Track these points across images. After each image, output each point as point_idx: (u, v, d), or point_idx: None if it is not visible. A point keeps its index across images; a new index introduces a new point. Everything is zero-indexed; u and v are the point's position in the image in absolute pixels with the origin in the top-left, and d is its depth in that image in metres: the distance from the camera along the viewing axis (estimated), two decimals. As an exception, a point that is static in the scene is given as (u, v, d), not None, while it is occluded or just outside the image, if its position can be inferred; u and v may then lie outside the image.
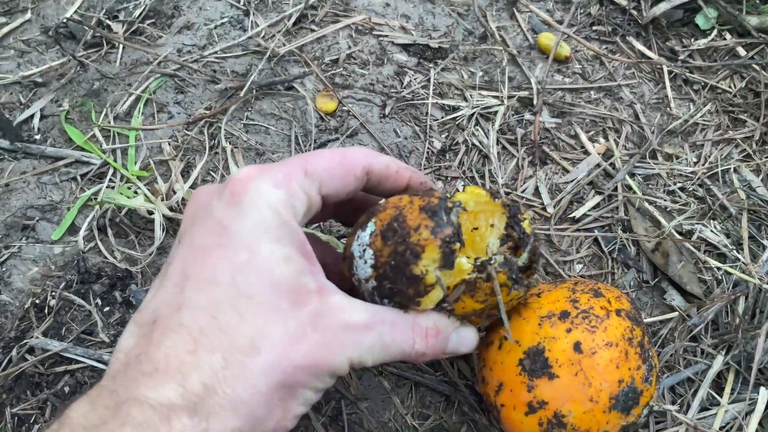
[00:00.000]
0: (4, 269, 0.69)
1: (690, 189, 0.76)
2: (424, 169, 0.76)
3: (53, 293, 0.67)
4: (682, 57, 0.86)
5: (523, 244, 0.47)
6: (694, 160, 0.78)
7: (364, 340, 0.40)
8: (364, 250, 0.44)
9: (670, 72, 0.85)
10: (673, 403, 0.63)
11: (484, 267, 0.43)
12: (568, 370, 0.48)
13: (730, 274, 0.68)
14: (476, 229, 0.47)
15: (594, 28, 0.90)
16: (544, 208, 0.74)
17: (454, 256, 0.42)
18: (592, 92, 0.84)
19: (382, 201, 0.47)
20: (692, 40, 0.88)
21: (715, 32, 0.87)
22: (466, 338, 0.46)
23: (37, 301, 0.66)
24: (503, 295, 0.44)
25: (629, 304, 0.53)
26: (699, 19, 0.88)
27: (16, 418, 0.60)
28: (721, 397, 0.63)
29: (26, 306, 0.66)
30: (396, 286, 0.43)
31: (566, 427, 0.49)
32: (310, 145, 0.77)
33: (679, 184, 0.76)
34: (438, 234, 0.42)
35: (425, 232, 0.42)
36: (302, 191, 0.41)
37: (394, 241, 0.42)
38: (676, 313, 0.67)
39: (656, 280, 0.70)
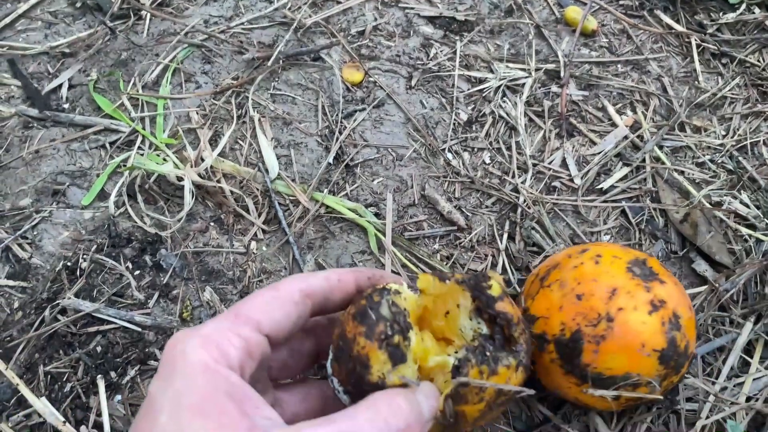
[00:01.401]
0: (35, 233, 0.69)
1: (719, 161, 0.75)
2: (451, 140, 0.76)
3: (84, 256, 0.67)
4: (710, 31, 0.86)
5: (493, 310, 0.44)
6: (723, 132, 0.78)
7: None
8: (332, 381, 0.43)
9: (698, 46, 0.84)
10: (704, 371, 0.63)
11: (454, 373, 0.40)
12: None
13: (761, 241, 0.67)
14: (448, 313, 0.45)
15: (621, 2, 0.90)
16: (571, 180, 0.74)
17: (400, 349, 0.40)
18: (619, 65, 0.83)
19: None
20: (721, 14, 0.87)
21: (743, 6, 0.87)
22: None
23: (69, 264, 0.67)
24: (498, 379, 0.41)
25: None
26: (727, -6, 0.88)
27: (49, 376, 0.61)
28: (749, 366, 0.63)
29: (57, 268, 0.67)
30: None
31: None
32: (338, 115, 0.77)
33: (707, 156, 0.76)
34: (372, 336, 0.40)
35: (362, 340, 0.40)
36: (236, 339, 0.39)
37: (344, 361, 0.41)
38: (706, 286, 0.67)
39: (684, 250, 0.70)
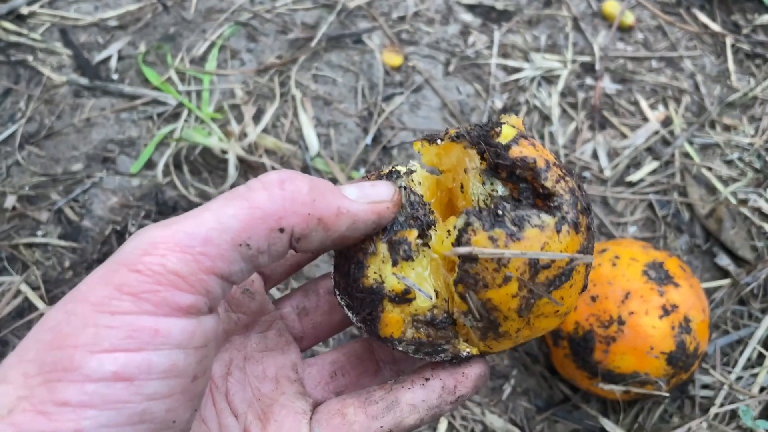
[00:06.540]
0: (86, 197, 0.73)
1: (747, 160, 0.77)
2: (485, 126, 0.78)
3: (133, 222, 0.71)
4: (745, 32, 0.87)
5: (505, 160, 0.30)
6: (752, 132, 0.80)
7: None
8: (336, 293, 0.33)
9: (732, 46, 0.86)
10: (722, 362, 0.66)
11: (459, 242, 0.30)
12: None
13: (784, 241, 0.69)
14: (463, 187, 0.33)
15: (658, -1, 0.91)
16: (601, 171, 0.76)
17: (405, 243, 0.31)
18: (653, 61, 0.85)
19: None
20: (756, 15, 0.88)
21: (780, 8, 0.88)
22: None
23: (118, 228, 0.71)
24: (527, 245, 0.29)
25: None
26: (765, -5, 0.88)
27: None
28: (765, 358, 0.65)
29: (107, 232, 0.71)
30: (366, 316, 0.32)
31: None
32: (377, 97, 0.79)
33: (736, 155, 0.77)
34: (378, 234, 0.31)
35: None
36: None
37: (343, 265, 0.32)
38: (727, 280, 0.69)
39: (708, 244, 0.72)
